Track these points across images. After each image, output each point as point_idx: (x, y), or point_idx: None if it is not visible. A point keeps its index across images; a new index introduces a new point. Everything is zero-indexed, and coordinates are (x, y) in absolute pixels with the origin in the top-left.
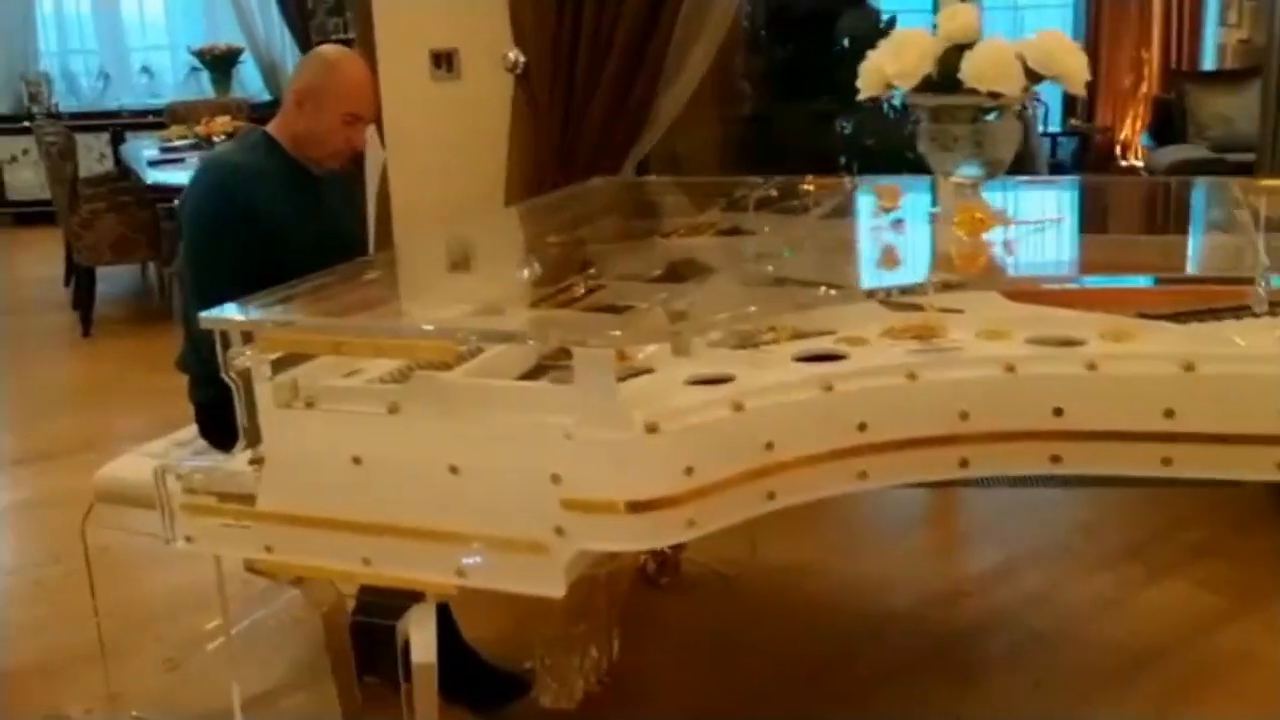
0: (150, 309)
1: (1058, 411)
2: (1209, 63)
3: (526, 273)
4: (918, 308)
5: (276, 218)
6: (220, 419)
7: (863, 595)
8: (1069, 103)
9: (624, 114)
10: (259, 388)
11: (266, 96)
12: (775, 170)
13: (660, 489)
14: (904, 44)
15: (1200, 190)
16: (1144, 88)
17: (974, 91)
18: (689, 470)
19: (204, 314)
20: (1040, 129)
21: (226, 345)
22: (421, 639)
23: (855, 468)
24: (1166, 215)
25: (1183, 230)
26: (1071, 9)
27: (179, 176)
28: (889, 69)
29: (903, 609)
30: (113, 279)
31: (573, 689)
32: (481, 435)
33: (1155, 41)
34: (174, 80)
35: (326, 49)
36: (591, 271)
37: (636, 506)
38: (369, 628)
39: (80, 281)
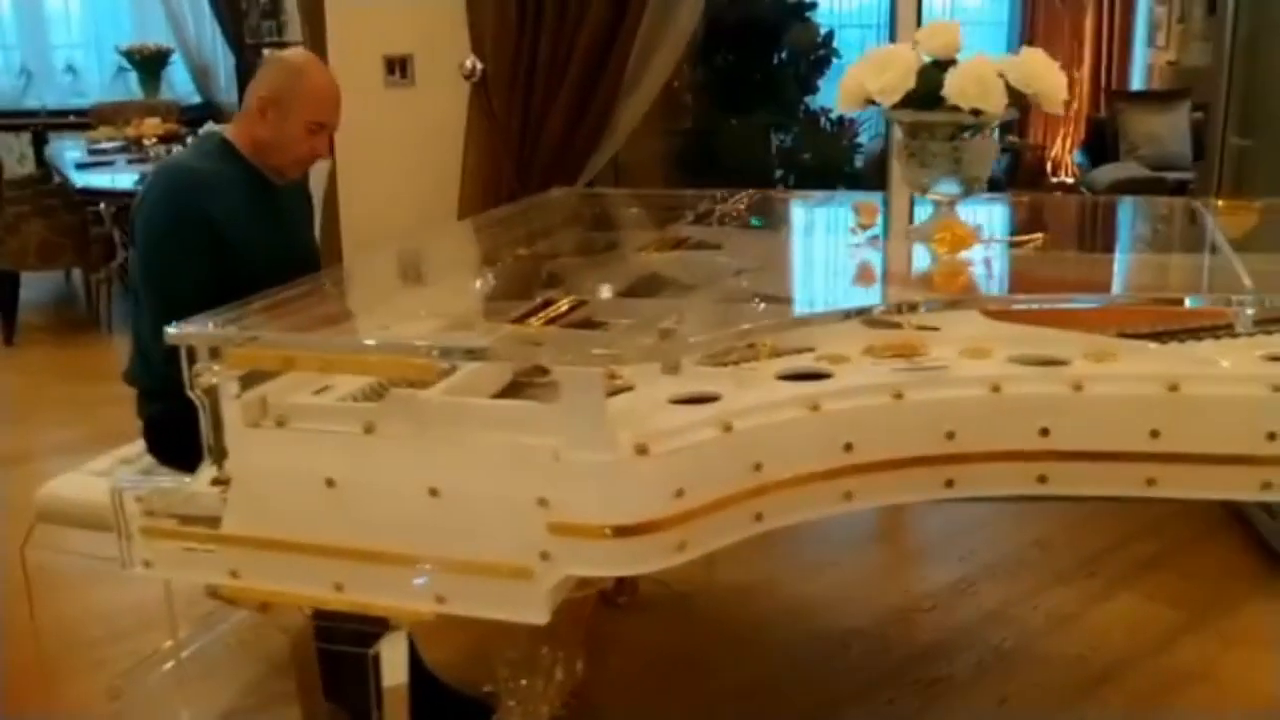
0: (76, 317)
1: (1044, 431)
2: (1138, 83)
3: (497, 287)
4: (896, 325)
5: (235, 227)
6: (170, 435)
7: (821, 613)
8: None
9: (584, 123)
10: (226, 406)
11: (197, 99)
12: (714, 183)
13: (651, 512)
14: (887, 60)
15: (1161, 210)
16: (1075, 106)
17: (955, 109)
18: (679, 493)
19: (171, 328)
20: None
21: (192, 360)
22: (393, 662)
23: (841, 488)
24: (1137, 235)
25: (1159, 249)
26: (1005, 28)
27: (108, 180)
28: (871, 85)
29: (862, 626)
30: (35, 285)
31: (538, 713)
32: (463, 456)
33: (1087, 61)
34: (100, 80)
35: (291, 54)
36: (564, 286)
37: (626, 530)
38: (331, 654)
39: (2, 288)
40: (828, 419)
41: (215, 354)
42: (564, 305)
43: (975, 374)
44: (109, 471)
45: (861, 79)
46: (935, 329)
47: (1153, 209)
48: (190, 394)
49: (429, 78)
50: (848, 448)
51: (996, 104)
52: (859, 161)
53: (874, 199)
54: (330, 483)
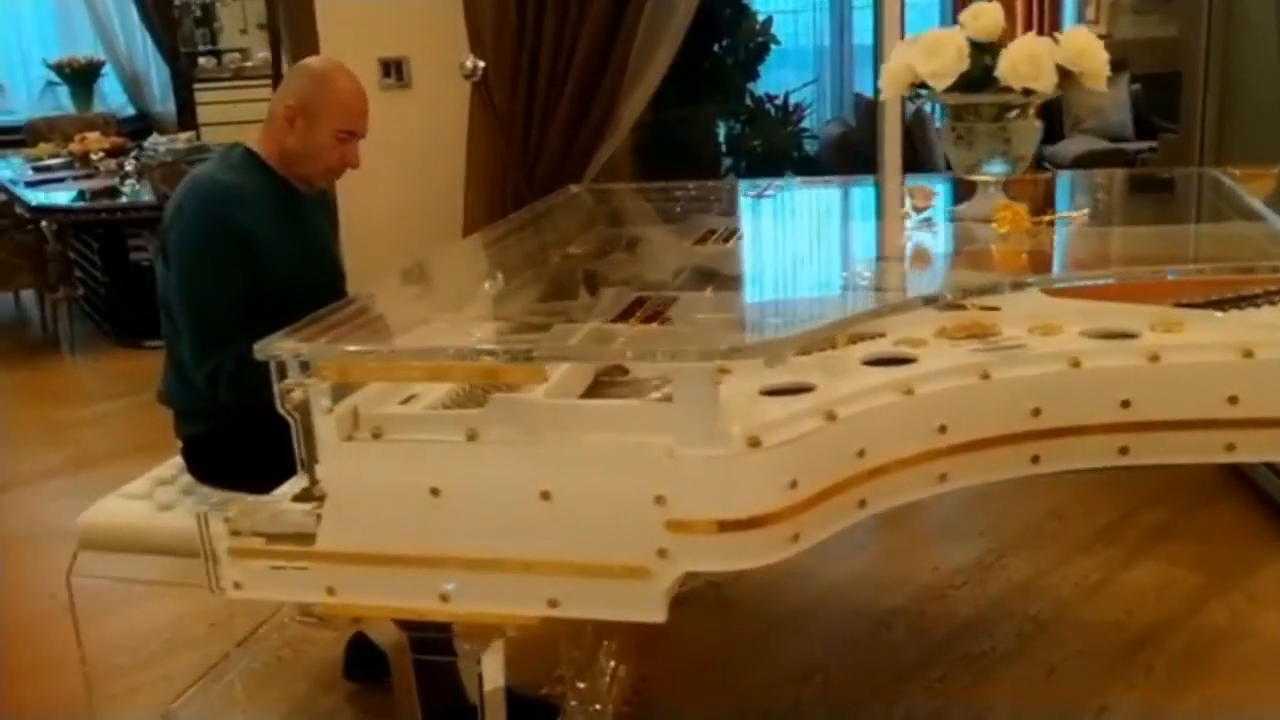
0: (32, 339)
1: (1125, 403)
2: None
3: (558, 288)
4: (960, 307)
5: (266, 239)
6: (212, 454)
7: (857, 596)
8: None
9: (589, 118)
10: (320, 420)
11: (131, 110)
12: (672, 175)
13: (767, 505)
14: (937, 45)
15: (1190, 180)
16: None
17: (1004, 89)
18: (793, 484)
19: (260, 344)
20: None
21: (282, 376)
22: (493, 666)
23: (937, 470)
24: (1173, 206)
25: (1200, 219)
26: (938, 6)
27: (64, 197)
28: (923, 69)
29: (900, 605)
30: None
31: (603, 713)
32: (575, 458)
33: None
34: (27, 96)
35: (316, 61)
36: (630, 283)
37: (744, 524)
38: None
39: None
40: (922, 402)
41: (305, 368)
42: (655, 304)
43: (1054, 350)
44: (147, 494)
45: (909, 63)
46: (996, 309)
47: (1178, 180)
48: (280, 410)
49: (426, 79)
50: (941, 430)
51: (1048, 83)
52: (811, 146)
53: (926, 182)
54: (435, 492)
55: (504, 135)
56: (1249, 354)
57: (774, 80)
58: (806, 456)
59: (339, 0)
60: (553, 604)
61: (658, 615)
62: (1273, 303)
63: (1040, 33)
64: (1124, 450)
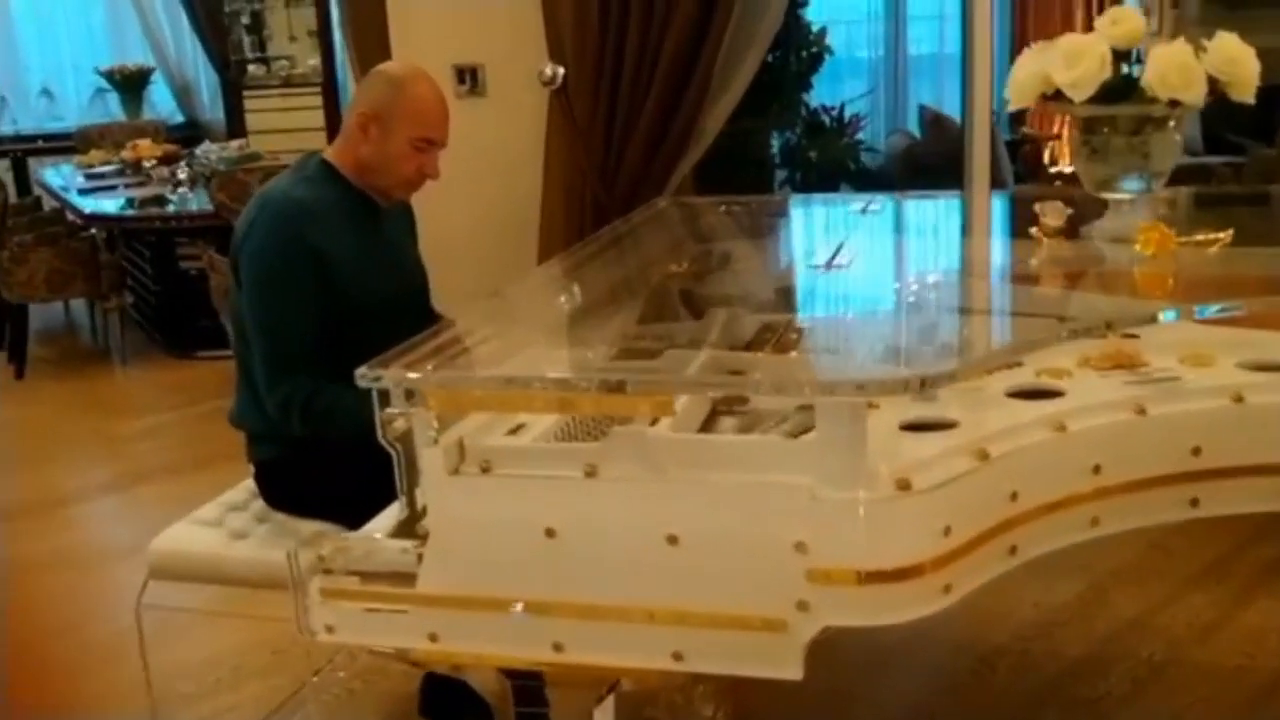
0: (83, 349)
1: None
2: None
3: (665, 309)
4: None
5: (344, 255)
6: (285, 480)
7: (956, 633)
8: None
9: (672, 128)
10: (425, 453)
11: (180, 118)
12: (716, 187)
13: (920, 553)
14: (1078, 52)
15: None
16: None
17: (1146, 99)
18: (946, 530)
19: (362, 372)
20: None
21: (385, 404)
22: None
23: (1089, 514)
24: None
25: None
26: (996, 18)
27: (112, 205)
28: (1062, 78)
29: (1003, 644)
30: (39, 316)
31: None
32: (706, 499)
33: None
34: (77, 102)
35: (392, 66)
36: (745, 304)
37: (895, 575)
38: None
39: (10, 320)
40: (1076, 440)
41: (409, 396)
42: (787, 330)
43: (1212, 384)
44: (218, 521)
45: (1041, 71)
46: (1136, 336)
47: None
48: (381, 442)
49: (502, 87)
50: (1096, 470)
51: (1198, 93)
52: (868, 159)
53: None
54: (550, 532)
55: (584, 146)
56: None
57: (829, 91)
58: (961, 500)
59: (412, 6)
60: (677, 657)
61: (794, 673)
62: None
63: None
64: None
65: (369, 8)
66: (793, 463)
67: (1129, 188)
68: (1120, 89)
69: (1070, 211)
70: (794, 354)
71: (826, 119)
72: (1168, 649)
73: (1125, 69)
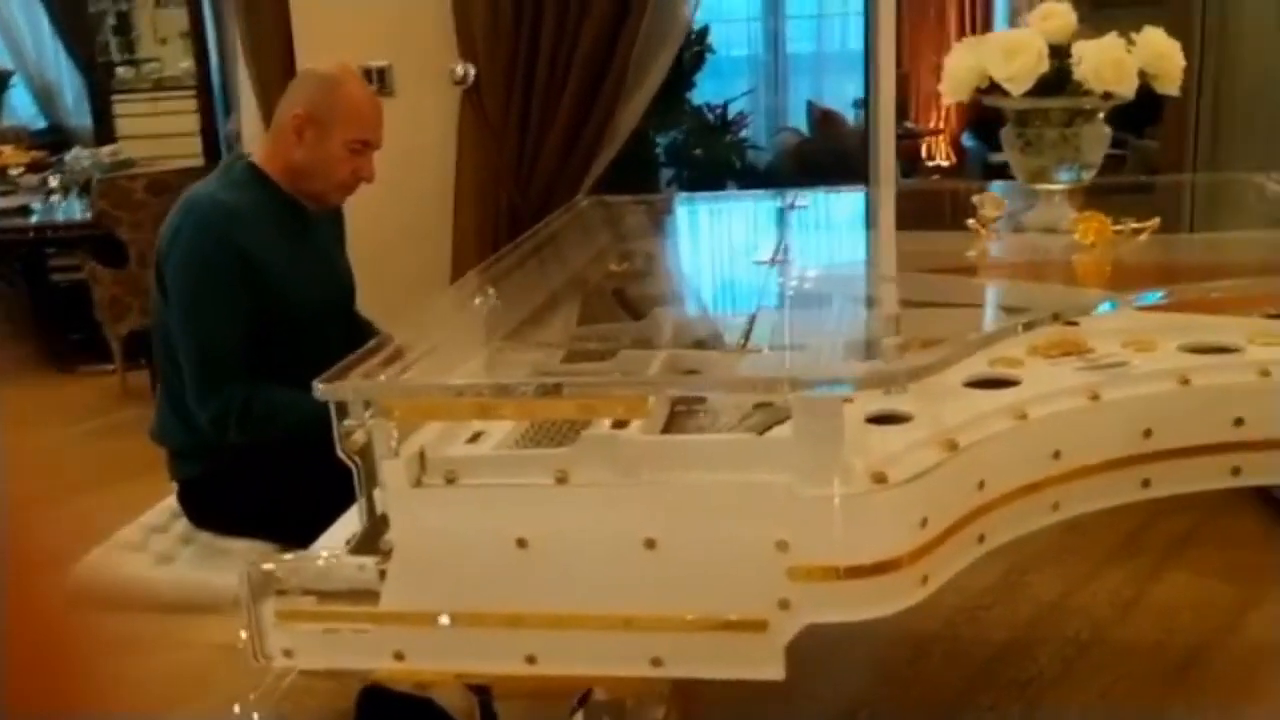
0: None
1: (1238, 421)
2: None
3: (611, 309)
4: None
5: (273, 261)
6: (212, 497)
7: (887, 622)
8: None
9: (587, 128)
10: (386, 465)
11: (43, 123)
12: (602, 187)
13: (899, 546)
14: (1014, 46)
15: (1231, 187)
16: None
17: (1080, 93)
18: (924, 522)
19: (320, 384)
20: None
21: (343, 417)
22: None
23: (1050, 499)
24: (1230, 213)
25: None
26: (860, 18)
27: None
28: (999, 72)
29: (934, 630)
30: None
31: None
32: (684, 501)
33: (953, 45)
34: None
35: (323, 66)
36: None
37: (876, 568)
38: None
39: None
40: (1037, 428)
41: (367, 407)
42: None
43: (1159, 368)
44: (141, 545)
45: (978, 65)
46: (1076, 323)
47: (1232, 187)
48: (340, 454)
49: (411, 87)
50: (1056, 455)
51: (1130, 86)
52: (756, 156)
53: (996, 191)
54: (522, 543)
55: (497, 146)
56: None
57: (711, 90)
58: (935, 491)
59: (316, 5)
60: (656, 663)
61: (776, 673)
62: None
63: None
64: (1236, 471)
65: (265, 8)
66: (770, 461)
67: (1062, 178)
68: (1054, 82)
69: (1007, 203)
70: (757, 350)
71: (710, 117)
72: (1091, 628)
73: (1059, 63)
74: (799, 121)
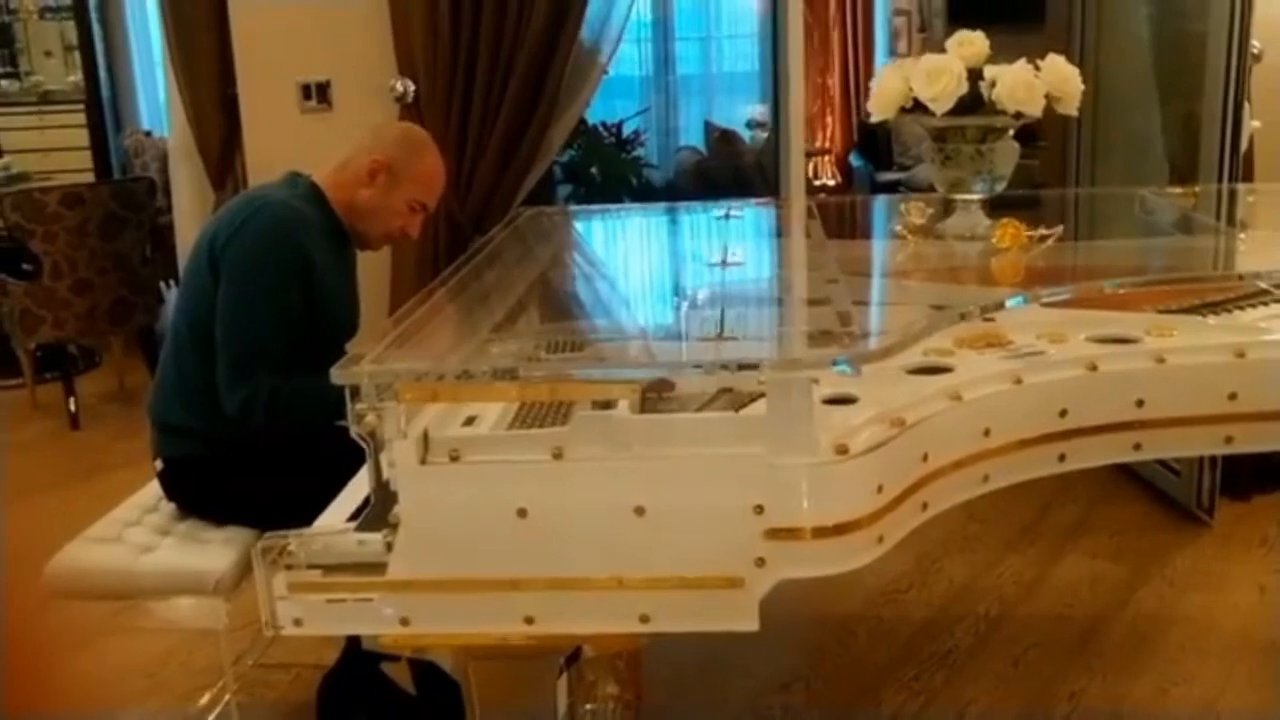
0: None
1: (1139, 403)
2: None
3: (572, 307)
4: (963, 317)
5: (325, 274)
6: (198, 477)
7: (814, 604)
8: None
9: (522, 143)
10: (397, 445)
11: None
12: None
13: (860, 509)
14: (937, 70)
15: (1122, 199)
16: (828, 112)
17: (995, 112)
18: (880, 489)
19: (336, 369)
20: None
21: (356, 399)
22: (562, 687)
23: (981, 472)
24: (1118, 222)
25: (1155, 233)
26: (756, 40)
27: None
28: (925, 92)
29: (857, 612)
30: None
31: None
32: (671, 472)
33: (836, 69)
34: None
35: (414, 129)
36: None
37: (839, 529)
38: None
39: None
40: (970, 408)
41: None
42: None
43: (1071, 356)
44: (117, 537)
45: (903, 87)
46: (992, 319)
47: (1118, 200)
48: (353, 435)
49: (350, 101)
50: (986, 433)
51: (1038, 106)
52: (650, 175)
53: (918, 201)
54: (522, 513)
55: None
56: (1241, 354)
57: (603, 109)
58: (889, 461)
59: (256, 21)
60: (644, 619)
61: (751, 624)
62: (1241, 308)
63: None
64: (1138, 446)
65: (197, 22)
66: (747, 435)
67: (977, 189)
68: (970, 103)
69: (931, 211)
70: (734, 339)
71: (606, 135)
72: (1000, 606)
73: (976, 86)
74: (691, 140)
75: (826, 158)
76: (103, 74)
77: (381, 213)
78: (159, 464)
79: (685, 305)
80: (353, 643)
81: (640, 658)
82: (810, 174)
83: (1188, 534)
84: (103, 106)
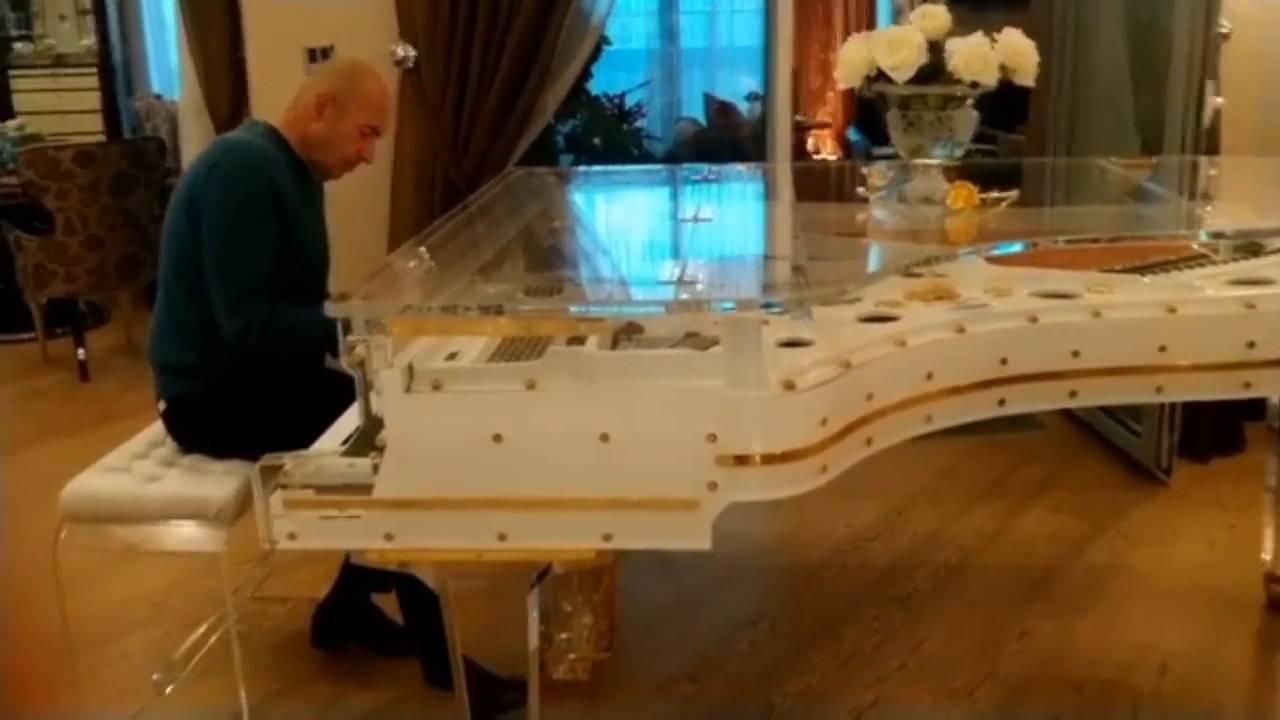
0: None
1: (1075, 353)
2: None
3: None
4: (917, 275)
5: (294, 206)
6: (198, 415)
7: (783, 553)
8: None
9: (516, 108)
10: (384, 375)
11: None
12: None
13: (805, 439)
14: (899, 41)
15: (1079, 168)
16: (830, 87)
17: (953, 81)
18: (824, 421)
19: (330, 303)
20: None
21: (348, 332)
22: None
23: (924, 413)
24: (1079, 189)
25: (1107, 200)
26: (761, 14)
27: None
28: (886, 61)
29: (824, 559)
30: None
31: (583, 659)
32: (634, 402)
33: (838, 45)
34: None
35: (351, 59)
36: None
37: (786, 457)
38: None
39: None
40: (913, 353)
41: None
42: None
43: (1014, 309)
44: (126, 468)
45: (868, 56)
46: (944, 275)
47: (1078, 169)
48: (344, 366)
49: None
50: (929, 376)
51: (993, 77)
52: (652, 145)
53: (880, 166)
54: (498, 438)
55: (434, 123)
56: (1173, 310)
57: (607, 81)
58: (833, 398)
59: None
60: (607, 538)
61: (704, 543)
62: (1179, 269)
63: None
64: (1073, 394)
65: None
66: (704, 370)
67: (937, 154)
68: (930, 73)
69: (891, 174)
70: (690, 285)
71: (609, 107)
72: (960, 555)
73: (936, 56)
74: (693, 112)
75: (827, 131)
76: (115, 38)
77: (335, 141)
78: (162, 405)
79: (655, 255)
80: (345, 576)
81: (615, 594)
82: (811, 148)
83: (1146, 492)
84: (115, 70)
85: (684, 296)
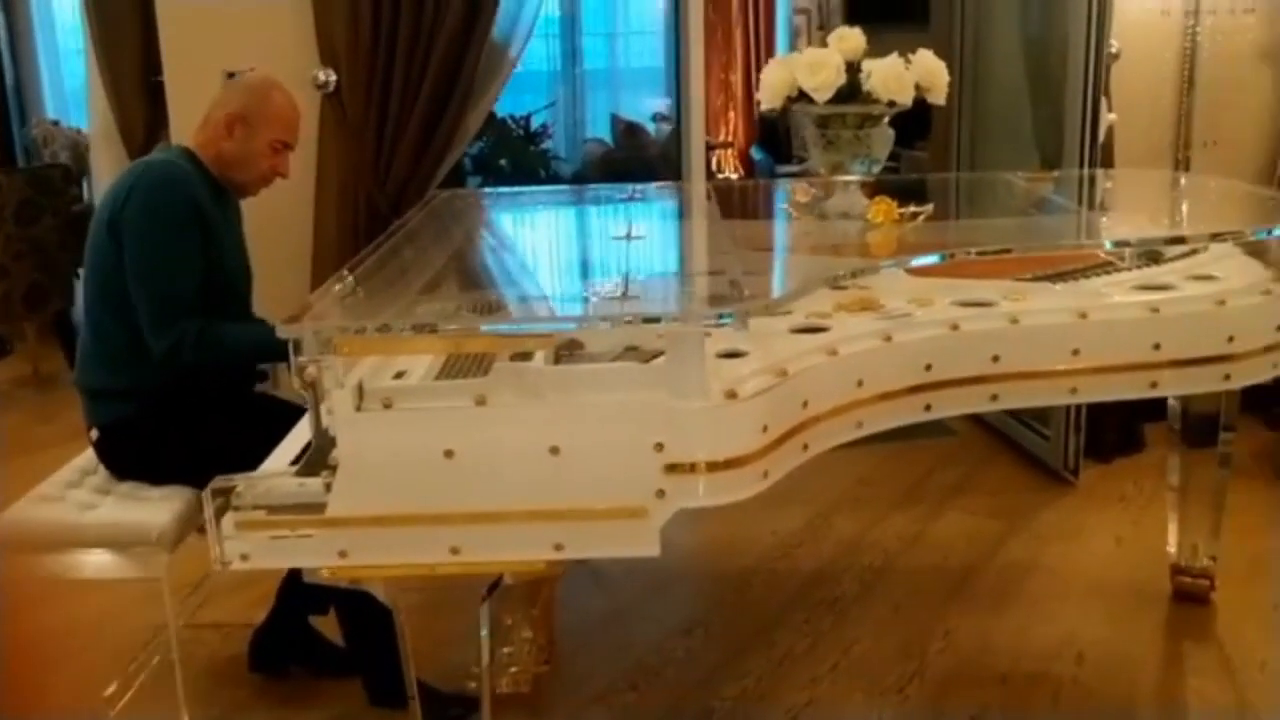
0: None
1: (995, 358)
2: None
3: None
4: (842, 288)
5: (214, 224)
6: (130, 441)
7: (712, 561)
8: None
9: (439, 130)
10: (335, 394)
11: None
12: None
13: (748, 446)
14: (818, 63)
15: (984, 181)
16: (731, 107)
17: (870, 101)
18: (765, 428)
19: (282, 323)
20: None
21: (299, 353)
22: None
23: (856, 418)
24: (987, 202)
25: (1016, 212)
26: (661, 37)
27: None
28: (807, 82)
29: (752, 566)
30: None
31: (524, 672)
32: (583, 415)
33: (739, 66)
34: None
35: (257, 76)
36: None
37: (730, 464)
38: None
39: None
40: (845, 362)
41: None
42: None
43: (936, 318)
44: (61, 495)
45: (789, 77)
46: (867, 287)
47: (985, 183)
48: (296, 386)
49: None
50: (859, 384)
51: (908, 96)
52: (559, 166)
53: (803, 183)
54: (449, 454)
55: (357, 146)
56: (1084, 315)
57: (511, 103)
58: (772, 406)
59: (182, 11)
60: (558, 548)
61: (653, 550)
62: (1086, 276)
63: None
64: (995, 397)
65: (120, 12)
66: (650, 382)
67: (855, 170)
68: (848, 93)
69: (815, 192)
70: (633, 301)
71: (515, 128)
72: (883, 558)
73: (854, 77)
74: (598, 133)
75: (729, 151)
76: (6, 62)
77: (249, 159)
78: (94, 433)
79: (594, 272)
80: (282, 600)
81: (553, 607)
82: (714, 167)
83: (1054, 493)
84: (6, 96)
85: (632, 311)
